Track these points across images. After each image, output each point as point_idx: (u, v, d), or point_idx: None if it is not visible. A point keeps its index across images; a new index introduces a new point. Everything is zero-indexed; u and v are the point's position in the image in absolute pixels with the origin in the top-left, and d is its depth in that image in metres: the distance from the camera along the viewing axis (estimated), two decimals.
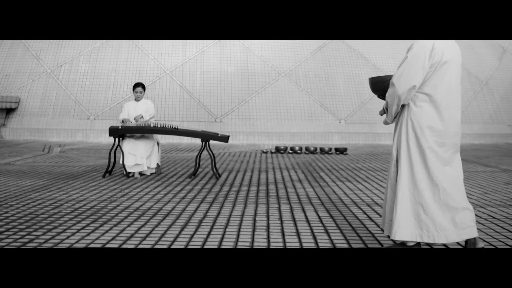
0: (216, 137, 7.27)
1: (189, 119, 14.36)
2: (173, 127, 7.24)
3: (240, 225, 4.40)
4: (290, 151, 11.51)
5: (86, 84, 14.63)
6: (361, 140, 14.84)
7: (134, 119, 7.37)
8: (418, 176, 3.23)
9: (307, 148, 11.55)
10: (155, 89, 14.61)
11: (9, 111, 14.29)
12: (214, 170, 7.31)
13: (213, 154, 7.47)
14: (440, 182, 3.22)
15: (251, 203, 5.41)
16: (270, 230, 4.24)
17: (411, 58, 3.17)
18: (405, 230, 3.23)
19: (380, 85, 3.56)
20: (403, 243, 3.39)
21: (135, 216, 4.70)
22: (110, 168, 7.38)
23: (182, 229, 4.25)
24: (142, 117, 7.38)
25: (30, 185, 6.41)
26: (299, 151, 11.51)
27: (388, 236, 3.56)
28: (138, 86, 7.51)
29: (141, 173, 7.43)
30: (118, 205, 5.19)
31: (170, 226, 4.34)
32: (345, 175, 7.80)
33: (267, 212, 4.97)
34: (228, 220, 4.60)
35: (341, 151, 11.46)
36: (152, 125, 7.23)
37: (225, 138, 7.29)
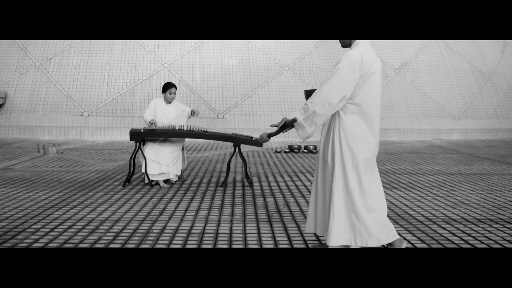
0: (250, 141, 6.53)
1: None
2: (202, 130, 6.47)
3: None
4: (305, 151, 10.85)
5: (79, 78, 13.66)
6: None
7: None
8: (351, 185, 3.34)
9: None
10: (152, 84, 13.74)
11: None
12: (248, 179, 6.57)
13: (245, 160, 6.73)
14: (370, 189, 3.36)
15: None
16: None
17: (342, 69, 3.22)
18: (340, 235, 3.36)
19: None
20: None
21: (193, 242, 3.96)
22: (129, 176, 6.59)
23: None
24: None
25: (46, 199, 5.60)
26: (314, 151, 10.85)
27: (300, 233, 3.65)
28: (173, 86, 6.52)
29: (167, 181, 6.65)
30: (164, 227, 4.43)
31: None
32: (385, 180, 7.16)
33: None
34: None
35: None
36: (177, 128, 6.41)
37: (259, 143, 6.56)
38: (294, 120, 3.39)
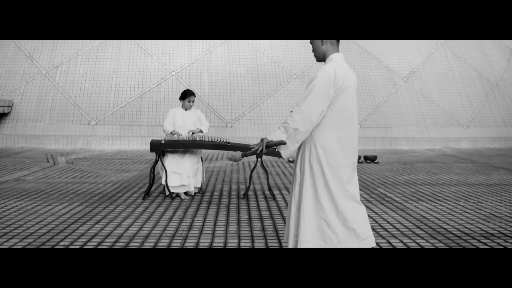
0: (273, 152, 6.38)
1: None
2: (224, 141, 6.32)
3: None
4: None
5: (86, 87, 13.51)
6: (377, 145, 14.15)
7: (188, 133, 6.39)
8: (321, 195, 3.34)
9: None
10: (160, 92, 13.60)
11: (1, 116, 13.08)
12: (270, 190, 6.43)
13: (267, 171, 6.59)
14: (341, 201, 3.32)
15: None
16: None
17: (319, 85, 3.26)
18: (311, 242, 3.35)
19: None
20: None
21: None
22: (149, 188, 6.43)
23: None
24: (201, 131, 6.44)
25: (67, 213, 5.43)
26: None
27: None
28: (192, 94, 6.49)
29: (186, 193, 6.51)
30: (197, 244, 4.28)
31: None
32: (408, 192, 7.02)
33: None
34: None
35: (372, 159, 10.71)
36: (198, 138, 6.28)
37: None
38: (283, 143, 3.32)
